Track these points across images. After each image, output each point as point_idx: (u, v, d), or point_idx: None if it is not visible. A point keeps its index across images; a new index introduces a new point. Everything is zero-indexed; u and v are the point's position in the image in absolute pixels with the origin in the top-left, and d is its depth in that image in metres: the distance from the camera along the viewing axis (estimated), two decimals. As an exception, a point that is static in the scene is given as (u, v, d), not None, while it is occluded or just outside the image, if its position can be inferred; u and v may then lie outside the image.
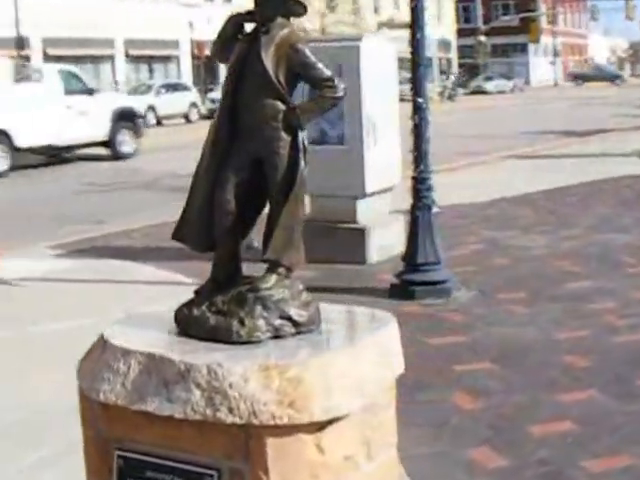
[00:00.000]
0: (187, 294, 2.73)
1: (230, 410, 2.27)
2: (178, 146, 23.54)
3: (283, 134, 2.78)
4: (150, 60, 50.21)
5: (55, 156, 21.72)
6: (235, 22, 2.84)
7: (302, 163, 2.77)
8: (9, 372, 5.76)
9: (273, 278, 2.67)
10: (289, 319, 2.59)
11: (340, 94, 2.81)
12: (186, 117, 41.56)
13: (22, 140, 20.04)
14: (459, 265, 7.85)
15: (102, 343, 2.59)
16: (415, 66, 7.22)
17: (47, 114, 20.47)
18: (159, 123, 38.91)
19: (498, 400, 4.87)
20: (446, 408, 4.79)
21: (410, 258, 7.19)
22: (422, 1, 7.25)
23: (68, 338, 6.03)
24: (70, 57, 43.60)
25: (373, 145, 8.50)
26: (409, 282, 7.12)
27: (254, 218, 2.80)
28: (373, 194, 8.61)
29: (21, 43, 39.91)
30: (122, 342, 2.52)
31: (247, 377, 2.28)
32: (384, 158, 8.58)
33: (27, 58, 41.53)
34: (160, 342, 2.56)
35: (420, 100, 7.17)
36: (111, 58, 47.18)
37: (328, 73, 2.82)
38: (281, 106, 2.79)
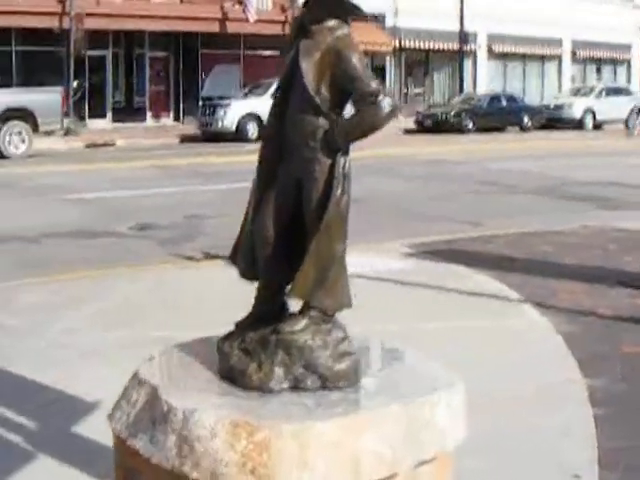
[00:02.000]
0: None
1: (195, 465, 2.05)
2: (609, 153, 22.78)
3: (321, 156, 2.40)
4: (598, 62, 48.72)
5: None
6: (297, 23, 2.57)
7: (338, 191, 2.38)
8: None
9: (303, 322, 2.34)
10: (314, 371, 2.27)
11: (383, 113, 2.36)
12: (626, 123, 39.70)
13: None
14: None
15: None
16: None
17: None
18: (598, 127, 37.67)
19: None
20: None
21: None
22: None
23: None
24: (514, 55, 43.79)
25: None
26: None
27: (305, 250, 2.43)
28: None
29: (465, 38, 40.69)
30: (144, 369, 2.38)
31: (216, 432, 2.06)
32: None
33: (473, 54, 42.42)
34: (176, 375, 2.38)
35: None
36: (558, 58, 46.46)
37: (373, 87, 2.36)
38: (322, 123, 2.40)
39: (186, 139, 28.44)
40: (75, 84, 30.93)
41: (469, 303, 7.25)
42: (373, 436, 2.08)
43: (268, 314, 2.47)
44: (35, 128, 21.62)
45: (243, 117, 27.69)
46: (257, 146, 2.65)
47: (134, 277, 8.08)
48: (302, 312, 2.38)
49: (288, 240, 2.49)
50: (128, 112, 33.98)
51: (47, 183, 16.11)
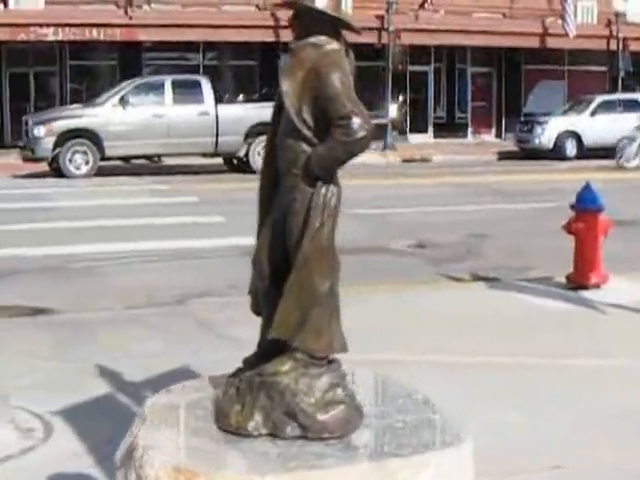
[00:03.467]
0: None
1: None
2: None
3: (302, 185, 2.13)
4: None
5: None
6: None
7: (316, 224, 2.05)
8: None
9: (287, 364, 2.08)
10: (295, 418, 1.96)
11: (353, 137, 2.00)
12: None
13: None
14: None
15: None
16: None
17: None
18: None
19: None
20: None
21: None
22: None
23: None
24: None
25: None
26: None
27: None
28: None
29: None
30: (156, 399, 2.26)
31: (159, 475, 2.02)
32: None
33: None
34: (176, 410, 2.25)
35: None
36: None
37: (346, 108, 2.06)
38: (304, 148, 2.14)
39: (504, 156, 28.04)
40: (400, 100, 31.46)
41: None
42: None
43: (271, 351, 2.18)
44: None
45: (561, 134, 26.82)
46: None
47: (381, 295, 7.95)
48: (289, 353, 2.09)
49: (284, 274, 2.31)
50: (449, 127, 34.15)
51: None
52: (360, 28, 2.64)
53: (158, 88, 21.25)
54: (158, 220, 13.01)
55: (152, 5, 29.10)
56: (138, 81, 21.77)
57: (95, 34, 27.52)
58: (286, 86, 2.30)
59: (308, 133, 2.25)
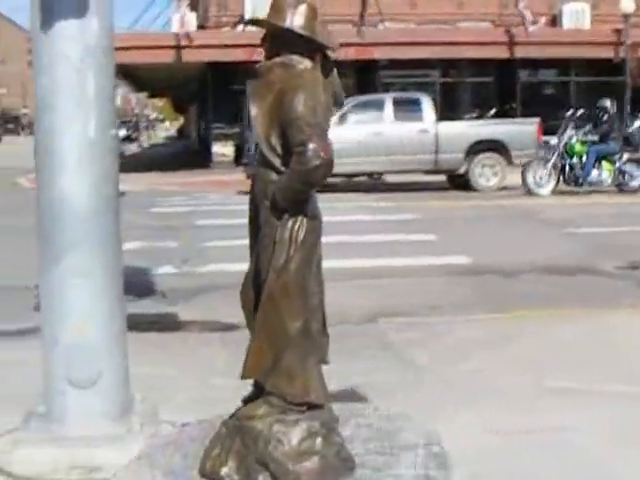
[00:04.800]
0: None
1: None
2: None
3: (271, 218, 1.92)
4: None
5: None
6: None
7: (281, 260, 1.82)
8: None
9: (263, 407, 1.85)
10: (267, 467, 1.74)
11: (307, 167, 1.78)
12: None
13: None
14: None
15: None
16: None
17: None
18: None
19: None
20: None
21: None
22: None
23: None
24: None
25: None
26: None
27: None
28: None
29: None
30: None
31: None
32: None
33: None
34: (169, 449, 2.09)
35: None
36: None
37: (302, 136, 1.84)
38: (273, 178, 1.87)
39: None
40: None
41: None
42: None
43: (261, 392, 1.99)
44: (509, 161, 21.18)
45: None
46: None
47: (580, 319, 7.50)
48: (265, 397, 1.89)
49: None
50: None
51: (548, 217, 15.65)
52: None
53: (378, 106, 21.40)
54: (369, 237, 13.00)
55: (386, 23, 29.37)
56: (358, 99, 21.95)
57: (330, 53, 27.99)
58: (255, 111, 2.15)
59: (276, 161, 2.09)
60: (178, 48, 27.14)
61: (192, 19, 30.83)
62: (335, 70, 2.42)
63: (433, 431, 2.76)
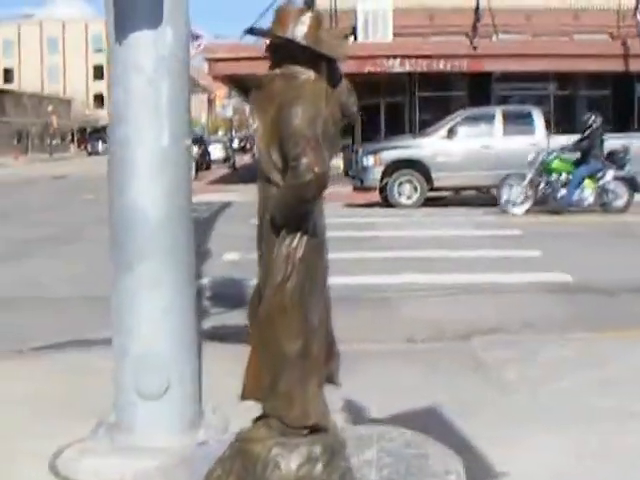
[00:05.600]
0: None
1: None
2: None
3: (271, 235, 1.83)
4: None
5: None
6: None
7: (278, 278, 1.72)
8: None
9: (262, 430, 1.75)
10: None
11: (300, 181, 1.68)
12: None
13: None
14: None
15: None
16: None
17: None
18: None
19: None
20: None
21: None
22: None
23: None
24: None
25: None
26: None
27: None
28: None
29: None
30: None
31: None
32: None
33: None
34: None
35: None
36: None
37: (296, 149, 1.76)
38: (272, 193, 1.77)
39: None
40: None
41: None
42: None
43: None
44: None
45: None
46: None
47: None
48: (263, 419, 1.80)
49: None
50: None
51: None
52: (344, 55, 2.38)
53: (488, 119, 20.99)
54: (473, 253, 12.76)
55: (500, 36, 28.97)
56: (467, 112, 21.66)
57: (442, 65, 27.87)
58: (257, 124, 2.05)
59: (276, 176, 1.99)
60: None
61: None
62: (344, 81, 2.33)
63: (455, 459, 2.61)
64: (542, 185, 18.10)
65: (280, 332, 2.00)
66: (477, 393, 5.78)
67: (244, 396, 2.10)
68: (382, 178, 20.44)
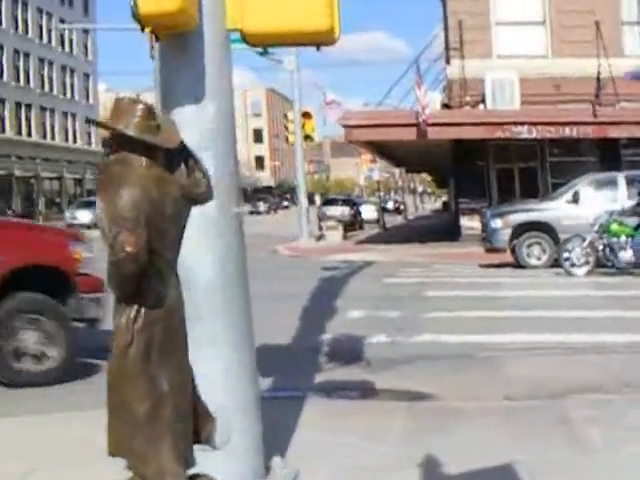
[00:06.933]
0: None
1: None
2: None
3: (115, 303, 2.08)
4: None
5: None
6: None
7: (121, 344, 2.14)
8: None
9: None
10: None
11: (116, 258, 1.81)
12: None
13: None
14: None
15: None
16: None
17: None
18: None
19: None
20: None
21: None
22: None
23: None
24: None
25: None
26: None
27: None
28: None
29: None
30: None
31: None
32: None
33: None
34: None
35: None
36: None
37: (115, 229, 1.87)
38: None
39: None
40: None
41: None
42: None
43: None
44: None
45: None
46: None
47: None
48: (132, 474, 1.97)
49: None
50: None
51: None
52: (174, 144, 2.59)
53: (612, 184, 20.79)
54: (585, 313, 12.51)
55: (622, 104, 28.53)
56: (591, 177, 21.47)
57: (568, 132, 27.65)
58: (98, 204, 2.28)
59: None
60: (418, 126, 27.59)
61: (436, 98, 32.01)
62: (184, 165, 2.55)
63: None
64: (601, 247, 18.13)
65: (126, 396, 2.17)
66: (558, 453, 5.72)
67: (109, 451, 2.26)
68: (511, 240, 20.55)
